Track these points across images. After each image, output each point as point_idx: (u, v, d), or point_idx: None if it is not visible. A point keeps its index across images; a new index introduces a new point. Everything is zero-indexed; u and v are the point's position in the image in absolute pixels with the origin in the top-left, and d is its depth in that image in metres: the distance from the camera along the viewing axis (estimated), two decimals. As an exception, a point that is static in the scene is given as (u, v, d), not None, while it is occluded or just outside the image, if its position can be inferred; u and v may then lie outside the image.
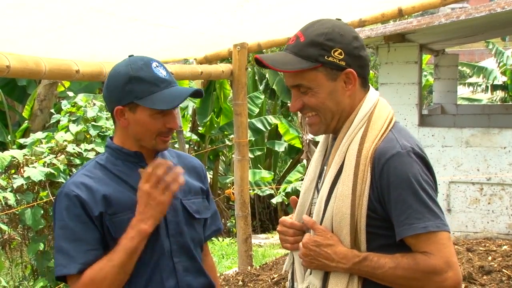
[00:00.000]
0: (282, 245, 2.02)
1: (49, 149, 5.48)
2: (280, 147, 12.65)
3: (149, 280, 2.01)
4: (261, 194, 12.01)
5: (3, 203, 5.15)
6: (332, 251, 1.82)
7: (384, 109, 1.92)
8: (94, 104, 6.07)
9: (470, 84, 20.34)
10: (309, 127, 1.97)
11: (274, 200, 11.69)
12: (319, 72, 1.85)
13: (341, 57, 1.84)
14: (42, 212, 5.17)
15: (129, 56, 2.06)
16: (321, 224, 1.88)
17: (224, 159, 13.56)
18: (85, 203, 1.94)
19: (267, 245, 9.35)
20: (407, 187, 1.77)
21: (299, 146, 12.25)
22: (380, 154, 1.81)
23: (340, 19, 1.94)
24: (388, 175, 1.78)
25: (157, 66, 2.02)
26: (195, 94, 2.04)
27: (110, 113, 2.11)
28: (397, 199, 1.77)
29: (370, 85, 1.96)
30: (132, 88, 1.97)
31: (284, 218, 2.01)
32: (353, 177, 1.81)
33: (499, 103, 17.35)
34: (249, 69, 13.02)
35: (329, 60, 1.84)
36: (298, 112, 10.76)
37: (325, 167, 1.96)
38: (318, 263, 1.86)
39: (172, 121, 2.04)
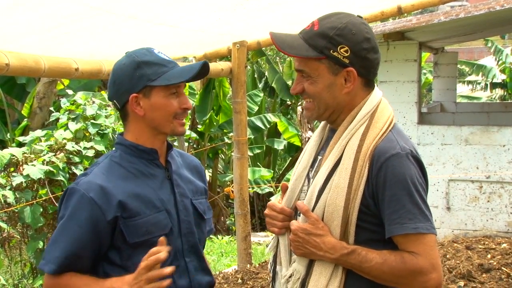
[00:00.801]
0: (269, 229, 2.07)
1: (48, 147, 5.48)
2: (280, 145, 12.65)
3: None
4: (260, 192, 12.00)
5: (2, 201, 5.15)
6: (321, 240, 1.88)
7: (386, 109, 1.97)
8: (93, 102, 6.06)
9: (469, 82, 20.34)
10: (305, 110, 2.03)
11: (273, 198, 11.68)
12: (322, 63, 1.90)
13: (346, 54, 1.88)
14: (41, 210, 5.16)
15: (126, 53, 2.06)
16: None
17: (223, 157, 13.55)
18: (98, 207, 1.91)
19: (267, 243, 9.35)
20: (403, 187, 1.83)
21: (299, 144, 12.25)
22: (380, 153, 1.86)
23: (361, 17, 1.97)
24: (386, 173, 1.84)
25: (159, 52, 2.04)
26: (203, 67, 2.03)
27: (120, 110, 2.06)
28: (392, 198, 1.83)
29: (375, 84, 2.00)
30: (142, 72, 1.97)
31: (273, 203, 2.06)
32: (351, 171, 1.86)
33: (498, 101, 17.36)
34: (248, 67, 13.02)
35: (334, 55, 1.88)
36: (298, 110, 10.72)
37: (318, 157, 2.02)
38: (305, 251, 1.91)
39: (186, 101, 2.04)
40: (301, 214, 1.95)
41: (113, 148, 2.12)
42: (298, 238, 1.90)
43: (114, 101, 2.05)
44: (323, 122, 2.08)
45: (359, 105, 1.94)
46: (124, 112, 2.05)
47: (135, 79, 1.97)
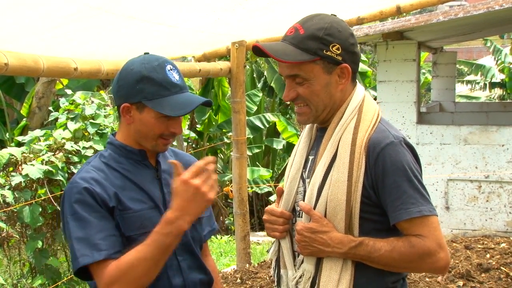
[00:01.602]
0: (270, 234, 2.08)
1: (47, 147, 5.48)
2: (278, 145, 12.65)
3: (157, 279, 1.97)
4: (259, 191, 12.00)
5: (1, 201, 5.15)
6: (327, 237, 1.90)
7: (371, 102, 2.03)
8: (92, 102, 6.07)
9: (468, 82, 20.33)
10: (298, 116, 2.04)
11: (272, 198, 11.68)
12: (317, 64, 1.93)
13: (339, 52, 1.92)
14: (40, 209, 5.17)
15: (145, 54, 2.04)
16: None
17: (222, 157, 13.54)
18: (98, 195, 1.90)
19: (265, 242, 9.35)
20: (402, 174, 1.88)
21: (297, 143, 12.24)
22: (374, 143, 1.91)
23: (335, 15, 2.01)
24: (384, 163, 1.88)
25: (171, 70, 2.00)
26: (205, 104, 2.01)
27: (116, 108, 2.06)
28: (392, 186, 1.88)
29: (356, 80, 2.05)
30: (142, 88, 1.95)
31: (272, 208, 2.08)
32: (349, 164, 1.90)
33: (497, 100, 17.36)
34: (247, 67, 13.02)
35: (327, 54, 1.92)
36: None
37: (310, 157, 2.05)
38: (313, 249, 1.93)
39: (177, 126, 2.02)
40: (303, 214, 1.97)
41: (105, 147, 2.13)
42: (305, 238, 1.92)
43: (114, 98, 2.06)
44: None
45: (347, 101, 1.98)
46: (118, 111, 2.06)
47: (133, 91, 1.96)
